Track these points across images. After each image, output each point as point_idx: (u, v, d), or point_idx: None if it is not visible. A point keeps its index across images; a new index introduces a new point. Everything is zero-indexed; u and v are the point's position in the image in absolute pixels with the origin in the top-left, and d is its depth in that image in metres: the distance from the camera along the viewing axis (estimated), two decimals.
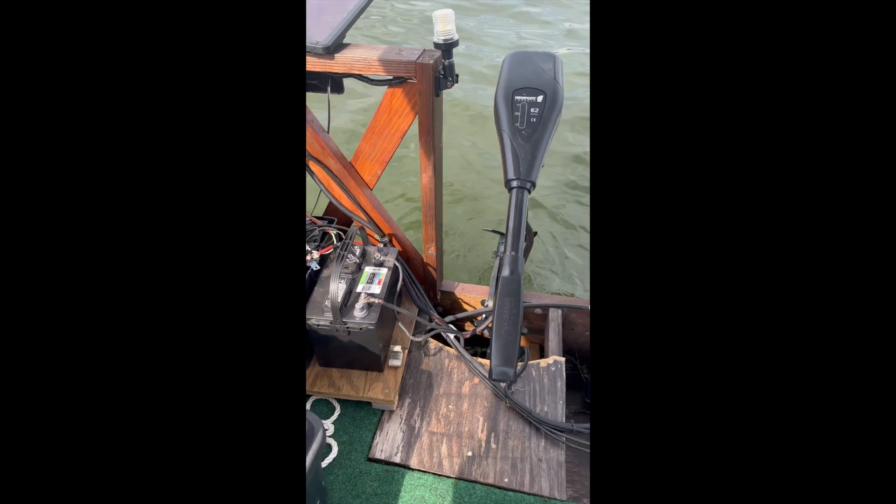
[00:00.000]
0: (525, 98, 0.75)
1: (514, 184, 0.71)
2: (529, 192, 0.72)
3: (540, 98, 0.74)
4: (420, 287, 1.27)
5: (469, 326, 1.39)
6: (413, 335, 1.17)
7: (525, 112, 0.74)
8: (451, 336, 1.19)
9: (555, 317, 1.27)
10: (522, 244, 0.70)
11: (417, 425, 1.05)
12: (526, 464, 0.98)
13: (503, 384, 1.09)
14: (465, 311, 1.37)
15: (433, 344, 1.22)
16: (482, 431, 1.03)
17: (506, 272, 0.67)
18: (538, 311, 1.32)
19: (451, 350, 1.19)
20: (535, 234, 1.70)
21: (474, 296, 1.36)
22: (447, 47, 0.92)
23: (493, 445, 1.01)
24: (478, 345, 1.41)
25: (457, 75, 1.00)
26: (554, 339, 1.22)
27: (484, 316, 1.26)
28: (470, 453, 1.00)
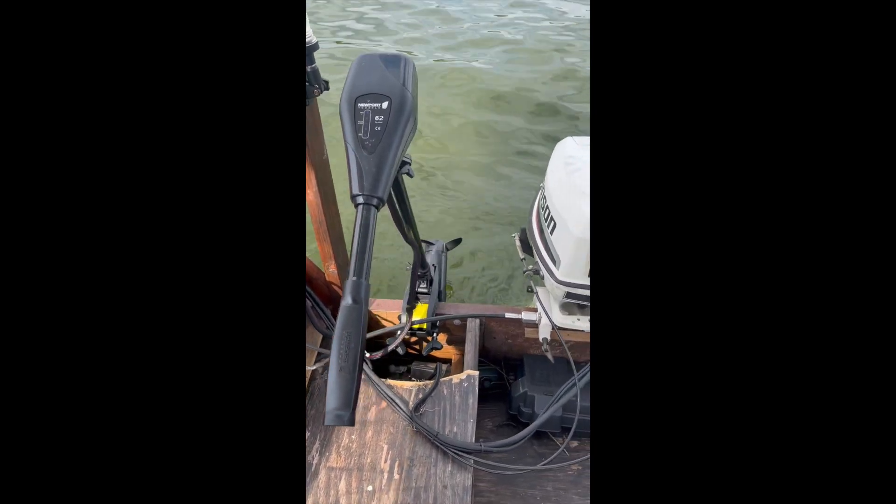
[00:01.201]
0: (368, 105, 0.68)
1: (360, 200, 0.65)
2: (378, 209, 0.65)
3: (385, 104, 0.68)
4: (326, 309, 1.19)
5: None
6: (315, 364, 1.09)
7: (369, 121, 0.67)
8: None
9: (472, 327, 1.21)
10: (367, 268, 0.63)
11: (315, 461, 0.96)
12: (430, 493, 0.91)
13: (411, 408, 1.02)
14: (382, 328, 1.29)
15: None
16: (385, 461, 0.96)
17: (347, 300, 0.59)
18: (457, 322, 1.25)
19: None
20: (460, 240, 1.64)
21: (392, 311, 1.29)
22: (307, 52, 0.85)
23: (397, 476, 0.94)
24: (393, 363, 1.34)
25: (326, 81, 0.93)
26: (470, 351, 1.16)
27: (399, 332, 1.20)
28: (370, 488, 0.92)
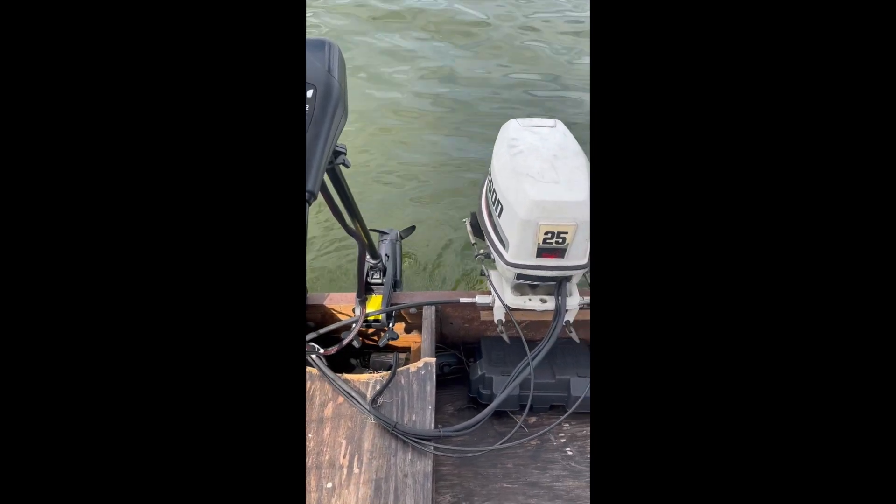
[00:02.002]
0: None
1: None
2: (309, 203, 0.62)
3: (310, 93, 0.64)
4: None
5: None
6: None
7: None
8: (313, 356, 1.09)
9: (428, 315, 1.21)
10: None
11: None
12: (391, 483, 0.91)
13: (369, 401, 1.01)
14: (337, 321, 1.26)
15: None
16: (344, 457, 0.95)
17: None
18: (413, 310, 1.24)
19: (314, 370, 1.09)
20: (414, 228, 1.63)
21: (346, 304, 1.26)
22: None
23: (357, 470, 0.93)
24: (351, 356, 1.32)
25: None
26: (427, 339, 1.16)
27: (353, 325, 1.17)
28: (329, 485, 0.91)
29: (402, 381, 1.06)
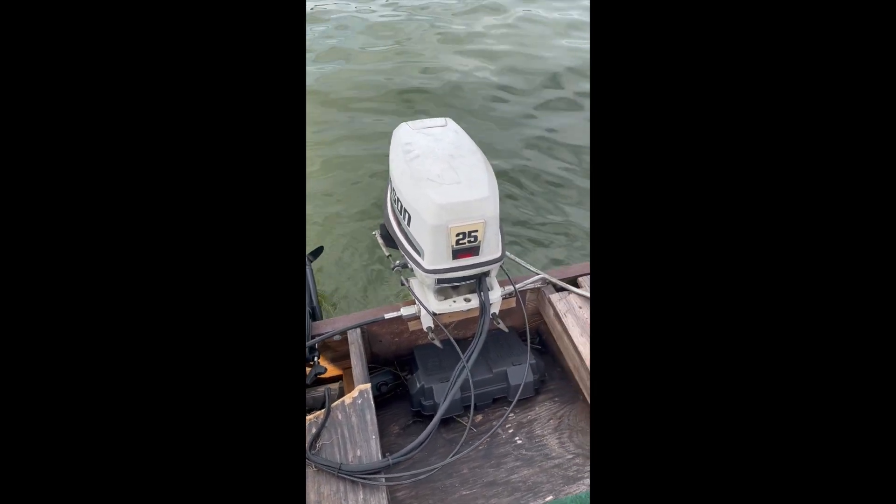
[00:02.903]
0: None
1: None
2: None
3: None
4: None
5: None
6: None
7: None
8: None
9: (354, 339, 1.14)
10: None
11: None
12: None
13: (307, 447, 0.92)
14: None
15: None
16: None
17: None
18: (337, 337, 1.17)
19: None
20: (322, 249, 1.53)
21: None
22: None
23: None
24: None
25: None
26: (357, 364, 1.09)
27: None
28: None
29: (340, 417, 0.99)
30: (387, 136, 1.10)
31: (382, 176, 2.44)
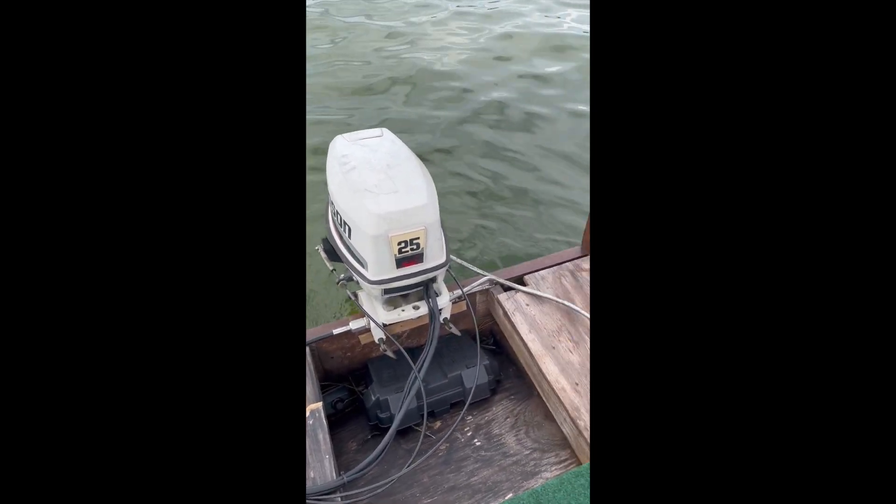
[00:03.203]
0: None
1: None
2: None
3: None
4: None
5: None
6: None
7: None
8: None
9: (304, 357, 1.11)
10: None
11: None
12: None
13: None
14: None
15: None
16: None
17: None
18: None
19: None
20: None
21: None
22: None
23: None
24: None
25: None
26: (309, 384, 1.06)
27: None
28: None
29: None
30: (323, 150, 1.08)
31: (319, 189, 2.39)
